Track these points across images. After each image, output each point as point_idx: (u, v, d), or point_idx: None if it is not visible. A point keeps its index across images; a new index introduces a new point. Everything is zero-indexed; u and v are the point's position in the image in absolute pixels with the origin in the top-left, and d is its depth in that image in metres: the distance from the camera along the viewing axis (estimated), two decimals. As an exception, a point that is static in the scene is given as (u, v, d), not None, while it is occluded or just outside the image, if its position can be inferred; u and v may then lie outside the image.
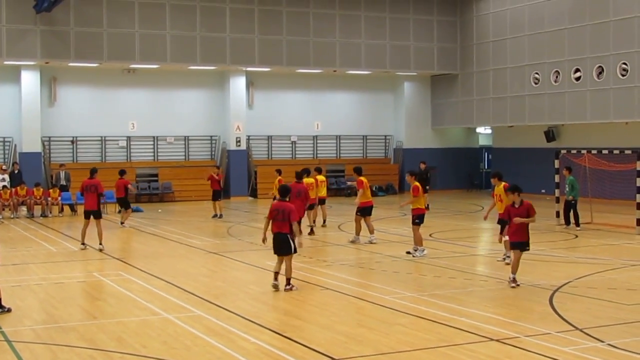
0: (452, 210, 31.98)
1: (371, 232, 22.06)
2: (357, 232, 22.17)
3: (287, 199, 15.59)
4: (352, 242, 22.13)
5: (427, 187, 22.22)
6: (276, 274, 15.27)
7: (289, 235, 15.03)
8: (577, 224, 25.34)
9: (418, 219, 19.58)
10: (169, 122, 40.00)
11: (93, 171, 22.61)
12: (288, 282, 15.12)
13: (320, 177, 26.24)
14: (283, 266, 15.21)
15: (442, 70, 42.86)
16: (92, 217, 21.69)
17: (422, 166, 33.35)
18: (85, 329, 12.36)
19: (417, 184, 19.48)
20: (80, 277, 17.34)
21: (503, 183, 18.61)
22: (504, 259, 18.40)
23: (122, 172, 28.27)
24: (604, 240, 22.63)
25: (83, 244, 21.62)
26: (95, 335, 11.88)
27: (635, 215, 24.16)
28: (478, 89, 41.63)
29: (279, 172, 26.39)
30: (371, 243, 21.74)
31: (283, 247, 15.13)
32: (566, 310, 13.19)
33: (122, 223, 27.43)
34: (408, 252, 19.84)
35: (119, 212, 29.34)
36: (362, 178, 21.98)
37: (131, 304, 14.28)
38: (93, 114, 38.59)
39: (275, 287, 15.12)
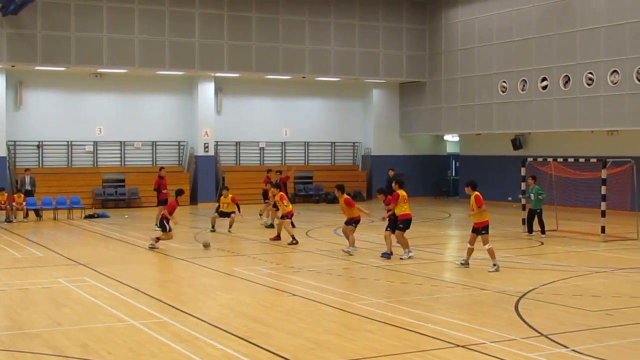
0: (420, 217, 32.04)
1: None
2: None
3: None
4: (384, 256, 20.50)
5: None
6: None
7: None
8: (543, 231, 25.54)
9: (402, 224, 20.02)
10: (137, 127, 39.80)
11: None
12: None
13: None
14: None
15: (411, 78, 43.05)
16: None
17: (391, 173, 33.42)
18: (49, 335, 12.24)
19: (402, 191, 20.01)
20: (46, 283, 17.18)
21: (476, 193, 18.54)
22: (462, 263, 18.98)
23: (179, 192, 24.03)
24: (569, 248, 22.80)
25: None
26: (60, 342, 11.77)
27: (600, 222, 24.39)
28: (446, 97, 41.85)
29: (278, 187, 26.33)
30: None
31: None
32: (531, 316, 13.27)
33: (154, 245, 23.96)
34: (402, 258, 20.03)
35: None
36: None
37: (97, 310, 14.17)
38: (60, 118, 38.28)
39: None
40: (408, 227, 20.32)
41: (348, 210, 21.51)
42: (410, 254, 20.24)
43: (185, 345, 11.45)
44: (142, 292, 15.73)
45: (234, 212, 27.23)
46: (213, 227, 27.62)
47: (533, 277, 17.64)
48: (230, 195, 27.45)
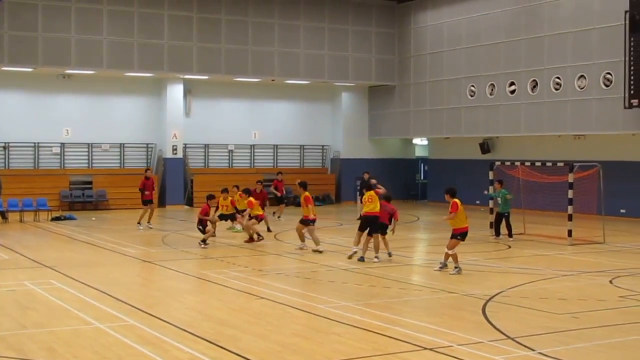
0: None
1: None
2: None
3: None
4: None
5: None
6: None
7: None
8: (510, 234, 25.68)
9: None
10: (105, 128, 39.53)
11: None
12: None
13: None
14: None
15: (380, 82, 43.15)
16: None
17: (366, 176, 33.36)
18: (14, 338, 12.11)
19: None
20: (11, 285, 17.01)
21: (454, 200, 18.64)
22: (440, 268, 18.89)
23: (210, 197, 25.05)
24: (536, 251, 22.94)
25: None
26: (25, 345, 11.65)
27: (566, 226, 24.57)
28: (415, 101, 42.00)
29: (248, 192, 26.44)
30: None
31: None
32: (499, 319, 13.33)
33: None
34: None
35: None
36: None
37: (63, 313, 14.05)
38: (27, 120, 37.92)
39: None
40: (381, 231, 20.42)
41: (304, 209, 21.94)
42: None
43: (152, 348, 11.38)
44: (109, 295, 15.62)
45: (236, 214, 26.18)
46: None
47: (500, 280, 17.73)
48: (230, 198, 26.61)
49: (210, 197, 24.89)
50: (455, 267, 18.42)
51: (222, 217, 26.31)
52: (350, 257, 20.35)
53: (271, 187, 34.19)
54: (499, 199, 25.68)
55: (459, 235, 18.62)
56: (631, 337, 12.24)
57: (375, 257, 20.32)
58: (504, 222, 25.79)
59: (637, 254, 22.78)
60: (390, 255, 20.85)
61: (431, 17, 40.96)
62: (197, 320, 13.38)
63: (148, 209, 29.67)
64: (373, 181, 25.19)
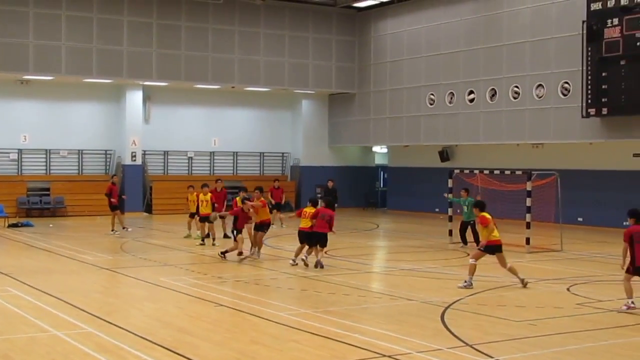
0: (348, 228, 32.16)
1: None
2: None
3: None
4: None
5: (336, 205, 22.00)
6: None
7: None
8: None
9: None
10: (63, 135, 39.17)
11: None
12: None
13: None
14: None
15: (340, 89, 43.25)
16: None
17: (330, 184, 33.41)
18: (-31, 346, 11.96)
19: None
20: (-34, 292, 16.79)
21: (481, 214, 18.09)
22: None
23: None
24: (494, 259, 22.98)
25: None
26: (-20, 353, 11.52)
27: (524, 234, 24.75)
28: (375, 109, 42.14)
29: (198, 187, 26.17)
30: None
31: None
32: (457, 326, 13.39)
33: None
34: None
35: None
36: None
37: (19, 320, 13.88)
38: (-17, 126, 37.56)
39: None
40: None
41: (261, 212, 22.12)
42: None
43: (110, 356, 11.28)
44: (66, 302, 15.46)
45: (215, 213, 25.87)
46: (202, 238, 26.39)
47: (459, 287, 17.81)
48: (210, 194, 26.25)
49: (243, 200, 22.66)
50: (465, 281, 17.61)
51: (203, 220, 26.14)
52: (299, 264, 20.44)
53: (267, 194, 33.32)
54: (465, 207, 25.67)
55: (487, 248, 17.77)
56: (587, 344, 12.35)
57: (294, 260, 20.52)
58: (469, 230, 25.65)
59: (594, 262, 23.01)
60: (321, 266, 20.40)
61: (391, 26, 41.15)
62: (156, 328, 13.29)
63: (114, 214, 29.72)
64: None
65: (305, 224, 20.68)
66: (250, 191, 24.52)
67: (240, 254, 21.93)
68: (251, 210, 22.12)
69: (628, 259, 15.08)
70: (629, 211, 15.47)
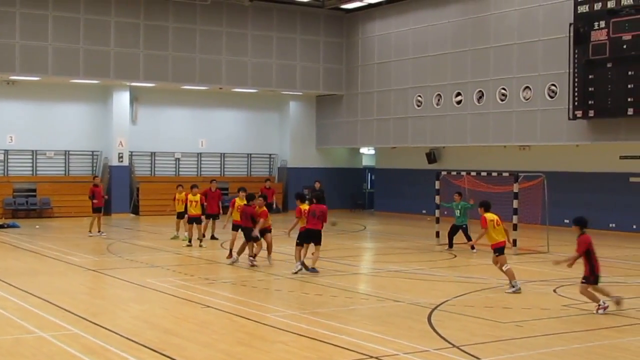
0: (335, 230, 32.15)
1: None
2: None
3: None
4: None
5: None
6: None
7: None
8: (472, 246, 25.02)
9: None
10: (49, 136, 39.02)
11: None
12: None
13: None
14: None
15: (328, 91, 43.26)
16: None
17: (317, 185, 33.37)
18: (-46, 347, 11.91)
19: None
20: (-49, 294, 16.72)
21: (485, 214, 17.88)
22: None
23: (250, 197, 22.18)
24: (481, 260, 23.11)
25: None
26: (-35, 354, 11.46)
27: (511, 236, 24.77)
28: (362, 110, 42.16)
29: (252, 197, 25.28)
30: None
31: None
32: (444, 328, 13.41)
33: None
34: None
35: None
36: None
37: (4, 322, 13.82)
38: (-31, 126, 37.40)
39: None
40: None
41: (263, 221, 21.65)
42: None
43: (96, 358, 11.25)
44: (52, 304, 15.40)
45: (204, 216, 25.88)
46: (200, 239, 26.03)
47: (446, 289, 17.85)
48: (199, 195, 25.94)
49: (251, 198, 21.70)
50: (512, 286, 17.33)
51: (192, 221, 25.92)
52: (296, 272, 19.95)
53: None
54: (457, 211, 25.65)
55: (496, 250, 17.61)
56: (574, 346, 12.39)
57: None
58: (461, 233, 25.56)
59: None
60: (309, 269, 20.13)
61: (379, 27, 41.18)
62: (142, 329, 13.26)
63: (97, 216, 29.47)
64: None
65: (304, 222, 20.33)
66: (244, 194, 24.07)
67: (253, 256, 21.18)
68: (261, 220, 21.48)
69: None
70: (576, 219, 15.63)
